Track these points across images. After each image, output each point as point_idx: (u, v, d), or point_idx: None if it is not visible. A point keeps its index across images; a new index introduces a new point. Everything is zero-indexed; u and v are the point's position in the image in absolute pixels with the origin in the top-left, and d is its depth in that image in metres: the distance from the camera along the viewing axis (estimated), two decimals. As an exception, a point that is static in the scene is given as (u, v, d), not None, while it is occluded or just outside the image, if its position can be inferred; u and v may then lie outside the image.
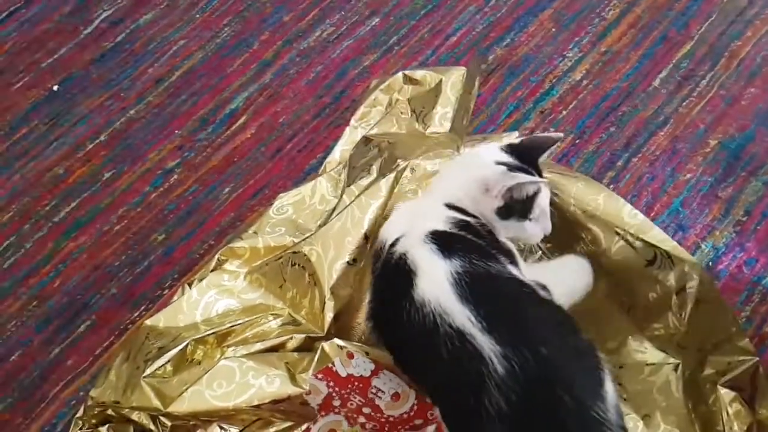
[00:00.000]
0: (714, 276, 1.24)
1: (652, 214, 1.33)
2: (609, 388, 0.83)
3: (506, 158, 1.05)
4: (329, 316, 1.19)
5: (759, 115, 1.42)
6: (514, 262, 1.00)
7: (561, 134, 1.12)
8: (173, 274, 1.42)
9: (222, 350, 1.20)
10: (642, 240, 1.17)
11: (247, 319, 1.22)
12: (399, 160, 1.35)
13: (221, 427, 1.16)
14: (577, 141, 1.46)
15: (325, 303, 1.20)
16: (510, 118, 1.52)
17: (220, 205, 1.51)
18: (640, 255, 1.18)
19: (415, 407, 1.07)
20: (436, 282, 0.89)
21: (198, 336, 1.18)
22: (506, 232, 1.04)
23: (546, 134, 1.12)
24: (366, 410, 1.08)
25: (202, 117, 1.65)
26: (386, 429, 1.09)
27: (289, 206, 1.36)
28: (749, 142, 1.39)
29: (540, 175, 1.05)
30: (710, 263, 1.26)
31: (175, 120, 1.65)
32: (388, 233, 1.09)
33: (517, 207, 1.00)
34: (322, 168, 1.45)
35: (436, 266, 0.91)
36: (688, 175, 1.37)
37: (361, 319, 1.23)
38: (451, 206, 1.03)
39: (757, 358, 1.05)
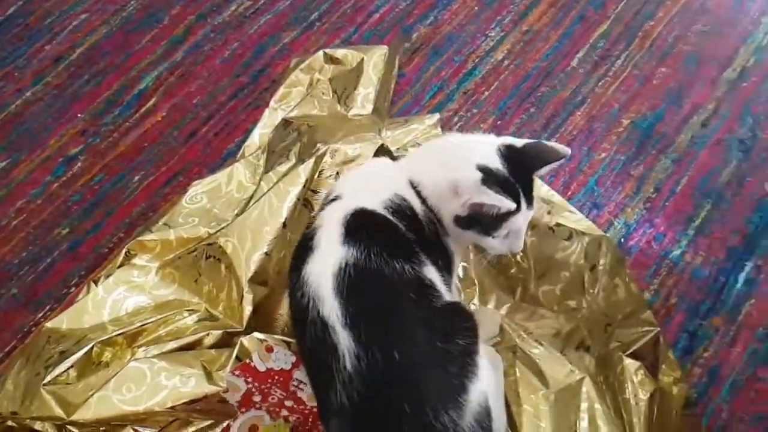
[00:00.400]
0: (625, 252, 1.26)
1: (569, 193, 1.34)
2: (474, 395, 0.82)
3: (494, 163, 0.93)
4: (248, 309, 1.13)
5: (669, 94, 1.44)
6: (444, 267, 0.96)
7: (569, 150, 0.96)
8: (80, 270, 1.31)
9: (133, 351, 1.13)
10: (558, 222, 1.18)
11: (159, 317, 1.14)
12: (319, 145, 1.29)
13: (135, 431, 1.09)
14: (498, 122, 1.44)
15: (243, 296, 1.14)
16: (434, 99, 1.48)
17: (130, 194, 1.40)
18: (557, 234, 1.19)
19: None
20: (323, 267, 0.87)
21: (105, 337, 1.11)
22: (459, 238, 0.98)
23: (554, 145, 0.96)
24: (288, 403, 1.04)
25: (107, 99, 1.52)
26: (310, 420, 1.05)
27: (204, 195, 1.28)
28: (659, 121, 1.41)
29: (529, 191, 0.95)
30: (622, 239, 1.28)
31: (78, 102, 1.52)
32: (338, 186, 1.04)
33: (483, 221, 0.93)
34: (240, 153, 1.38)
35: (331, 251, 0.87)
36: (603, 155, 1.38)
37: (283, 311, 1.18)
38: (413, 186, 0.97)
39: (659, 329, 1.08)
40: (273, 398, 1.05)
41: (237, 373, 1.03)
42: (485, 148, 0.95)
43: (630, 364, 1.07)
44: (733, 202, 1.30)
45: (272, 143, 1.35)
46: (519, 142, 0.97)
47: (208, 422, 1.10)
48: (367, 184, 1.00)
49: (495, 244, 0.96)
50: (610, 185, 1.34)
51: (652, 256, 1.26)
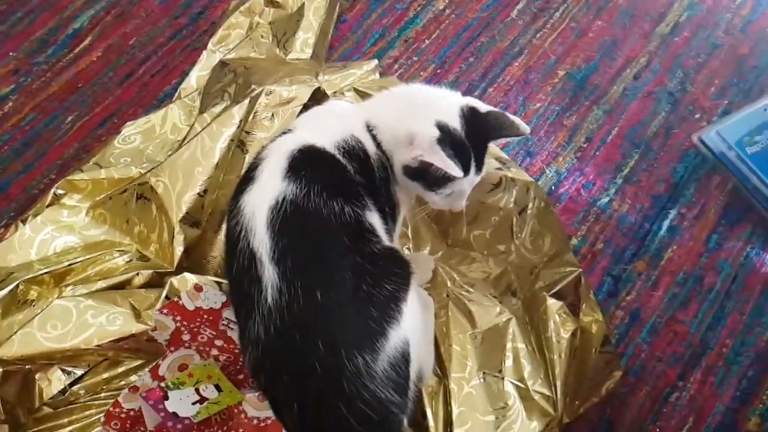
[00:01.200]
0: (555, 199, 1.25)
1: (503, 141, 1.31)
2: (393, 341, 0.80)
3: (454, 122, 0.89)
4: (179, 250, 1.08)
5: (603, 47, 1.42)
6: (389, 214, 0.93)
7: (528, 129, 0.93)
8: (9, 211, 1.24)
9: (60, 290, 1.06)
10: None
11: (89, 256, 1.09)
12: (254, 86, 1.23)
13: (63, 370, 1.04)
14: (438, 71, 1.40)
15: (174, 237, 1.09)
16: (375, 46, 1.43)
17: (63, 135, 1.32)
18: (487, 180, 1.16)
19: None
20: (260, 198, 0.83)
21: (31, 275, 1.04)
22: (406, 186, 0.95)
23: (516, 120, 0.92)
24: (218, 342, 1.00)
25: (41, 38, 1.42)
26: (240, 359, 1.01)
27: (138, 135, 1.21)
28: (593, 72, 1.39)
29: (481, 157, 0.91)
30: (553, 187, 1.26)
31: (9, 41, 1.41)
32: (295, 121, 1.01)
33: (429, 177, 0.90)
34: (177, 95, 1.30)
35: (271, 184, 0.84)
36: (538, 104, 1.35)
37: (216, 253, 1.14)
38: (369, 128, 0.93)
39: (581, 269, 1.08)
40: (203, 337, 1.01)
41: (165, 311, 0.98)
42: (449, 105, 0.91)
43: (553, 303, 1.06)
44: (660, 153, 1.30)
45: (208, 85, 1.28)
46: (483, 108, 0.93)
47: (138, 362, 1.06)
48: (323, 122, 0.95)
49: (437, 200, 0.94)
50: (543, 135, 1.32)
51: (581, 203, 1.25)
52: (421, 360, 0.91)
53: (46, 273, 1.06)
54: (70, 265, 1.07)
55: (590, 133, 1.32)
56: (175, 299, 0.99)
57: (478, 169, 0.91)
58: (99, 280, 1.07)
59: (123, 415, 0.97)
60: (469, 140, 0.89)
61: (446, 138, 0.86)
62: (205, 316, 0.99)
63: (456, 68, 1.40)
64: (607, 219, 1.23)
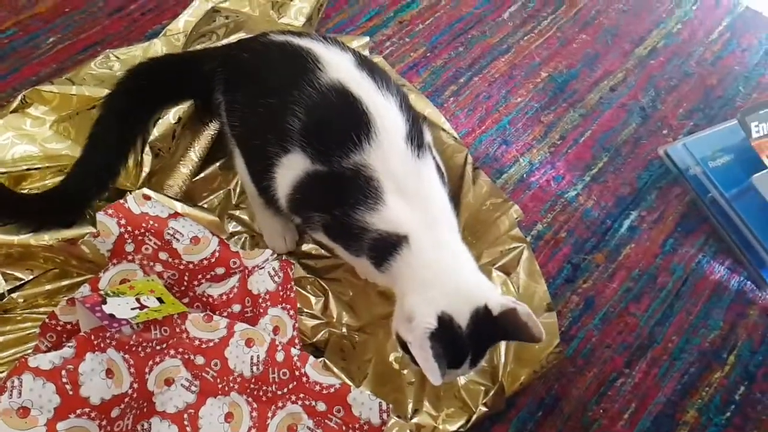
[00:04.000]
0: (525, 186, 1.27)
1: (483, 127, 1.34)
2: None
3: (461, 319, 0.81)
4: (145, 170, 1.04)
5: (586, 58, 1.48)
6: None
7: (543, 336, 0.82)
8: (-27, 119, 1.18)
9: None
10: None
11: (48, 165, 1.04)
12: (243, 31, 1.22)
13: (4, 273, 0.96)
14: (428, 54, 1.42)
15: (142, 157, 1.06)
16: (370, 22, 1.45)
17: (42, 54, 1.27)
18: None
19: (217, 254, 0.97)
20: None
21: (-21, 175, 1.00)
22: None
23: (531, 321, 0.81)
24: (163, 256, 0.95)
25: (32, -41, 1.39)
26: (185, 277, 0.97)
27: (116, 62, 1.17)
28: (574, 79, 1.44)
29: (479, 356, 0.84)
30: (524, 175, 1.28)
31: (-1, -43, 1.38)
32: None
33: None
34: (162, 34, 1.28)
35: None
36: (519, 99, 1.39)
37: (173, 181, 1.10)
38: None
39: (524, 245, 1.09)
40: (147, 248, 0.95)
41: (110, 212, 0.93)
42: (465, 301, 0.82)
43: (497, 276, 1.06)
44: (628, 159, 1.34)
45: (197, 26, 1.25)
46: (499, 307, 0.82)
47: (84, 277, 1.01)
48: None
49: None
50: (521, 126, 1.36)
51: (549, 193, 1.28)
52: None
53: (3, 173, 1.01)
54: (27, 170, 1.03)
55: (565, 132, 1.36)
56: (121, 202, 0.96)
57: (473, 364, 0.84)
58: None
59: (59, 328, 0.91)
60: (471, 340, 0.82)
61: (444, 334, 0.80)
62: (151, 222, 0.94)
63: (445, 54, 1.43)
64: (572, 211, 1.26)
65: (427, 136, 0.95)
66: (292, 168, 0.88)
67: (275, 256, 1.01)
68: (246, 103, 0.94)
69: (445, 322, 0.80)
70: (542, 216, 1.24)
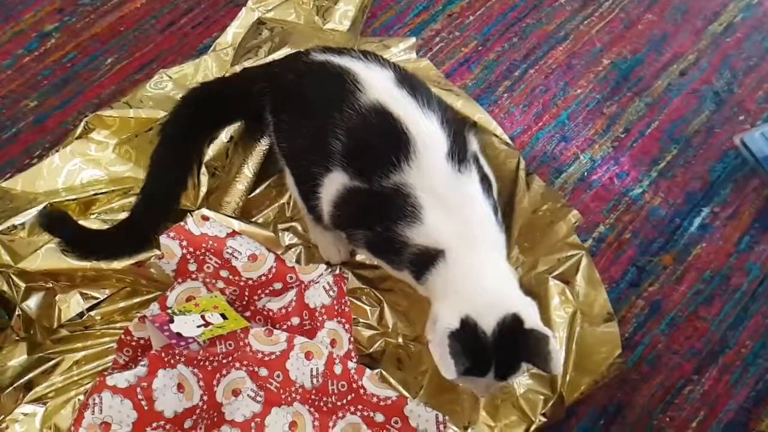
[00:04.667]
0: (587, 186, 1.30)
1: (540, 124, 1.37)
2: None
3: (486, 325, 0.87)
4: (203, 190, 1.16)
5: (652, 40, 1.47)
6: None
7: (560, 371, 0.89)
8: (44, 143, 1.33)
9: (86, 218, 1.16)
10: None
11: (114, 189, 1.17)
12: (288, 46, 1.31)
13: (82, 294, 1.12)
14: (479, 48, 1.46)
15: (199, 178, 1.18)
16: (418, 17, 1.50)
17: (102, 75, 1.41)
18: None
19: (274, 269, 1.07)
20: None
21: (58, 200, 1.13)
22: None
23: (553, 354, 0.85)
24: (224, 273, 1.06)
25: (86, -21, 1.53)
26: (246, 293, 1.08)
27: (170, 82, 1.29)
28: (639, 65, 1.44)
29: (508, 370, 0.88)
30: (585, 173, 1.31)
31: (57, -20, 1.52)
32: None
33: None
34: (212, 48, 1.39)
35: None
36: (579, 91, 1.41)
37: (230, 198, 1.21)
38: None
39: (583, 252, 1.12)
40: (209, 267, 1.07)
41: (171, 234, 1.05)
42: (492, 306, 0.88)
43: (554, 285, 1.10)
44: (699, 151, 1.34)
45: (244, 40, 1.35)
46: (529, 322, 0.87)
47: (154, 294, 1.14)
48: None
49: None
50: (581, 121, 1.38)
51: (612, 191, 1.30)
52: None
53: (73, 200, 1.15)
54: (95, 195, 1.17)
55: (629, 124, 1.37)
56: (181, 224, 1.07)
57: (501, 376, 0.88)
58: (122, 211, 1.15)
59: (134, 343, 1.05)
60: (497, 348, 0.86)
61: (465, 336, 0.85)
62: (211, 243, 1.06)
63: (498, 47, 1.46)
64: (637, 210, 1.28)
65: (473, 146, 1.01)
66: (334, 186, 0.97)
67: (329, 270, 1.11)
68: (291, 125, 1.03)
69: (468, 325, 0.86)
70: (605, 217, 1.27)
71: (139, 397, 0.93)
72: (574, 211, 1.15)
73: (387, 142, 0.92)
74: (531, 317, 0.88)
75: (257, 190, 1.24)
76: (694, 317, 1.18)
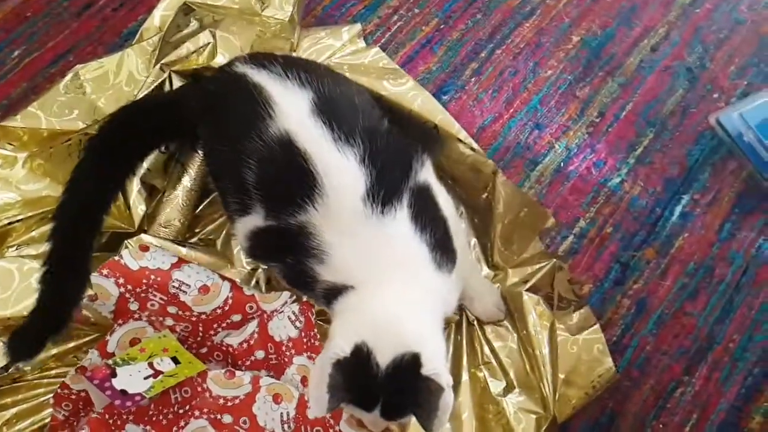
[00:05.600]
0: (564, 177, 1.18)
1: (511, 111, 1.24)
2: None
3: (383, 358, 0.75)
4: (140, 209, 0.98)
5: (621, 13, 1.34)
6: None
7: None
8: (-57, 156, 1.11)
9: (1, 252, 0.96)
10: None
11: (30, 214, 0.97)
12: (220, 52, 1.11)
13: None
14: (442, 26, 1.30)
15: (134, 196, 0.99)
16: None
17: (8, 72, 1.17)
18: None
19: (230, 300, 0.92)
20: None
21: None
22: None
23: (440, 410, 0.74)
24: (172, 310, 0.91)
25: (-19, -45, 1.26)
26: (200, 328, 0.93)
27: (89, 83, 1.06)
28: (610, 40, 1.32)
29: (396, 411, 0.78)
30: (561, 164, 1.20)
31: (-58, -44, 1.25)
32: None
33: None
34: (138, 36, 1.16)
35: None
36: (549, 72, 1.28)
37: (172, 215, 1.03)
38: None
39: (554, 261, 1.04)
40: (153, 305, 0.90)
41: (105, 272, 0.87)
42: (397, 344, 0.76)
43: (528, 299, 1.02)
44: (675, 133, 1.24)
45: (168, 31, 1.14)
46: (433, 371, 0.75)
47: (93, 335, 0.96)
48: None
49: None
50: (554, 105, 1.25)
51: (590, 182, 1.19)
52: None
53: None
54: (9, 224, 0.97)
55: (603, 107, 1.26)
56: (115, 258, 0.90)
57: (387, 416, 0.77)
58: (44, 242, 0.96)
59: (73, 396, 0.88)
60: (387, 386, 0.75)
61: (354, 365, 0.75)
62: (153, 277, 0.89)
63: (461, 25, 1.30)
64: (617, 201, 1.18)
65: (423, 173, 0.88)
66: (248, 222, 0.86)
67: (294, 298, 0.96)
68: (209, 143, 0.92)
69: (361, 353, 0.75)
70: (584, 210, 1.17)
71: None
72: (550, 216, 1.06)
73: (292, 180, 0.80)
74: (432, 363, 0.76)
75: (203, 204, 1.07)
76: (681, 314, 1.11)
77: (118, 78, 1.07)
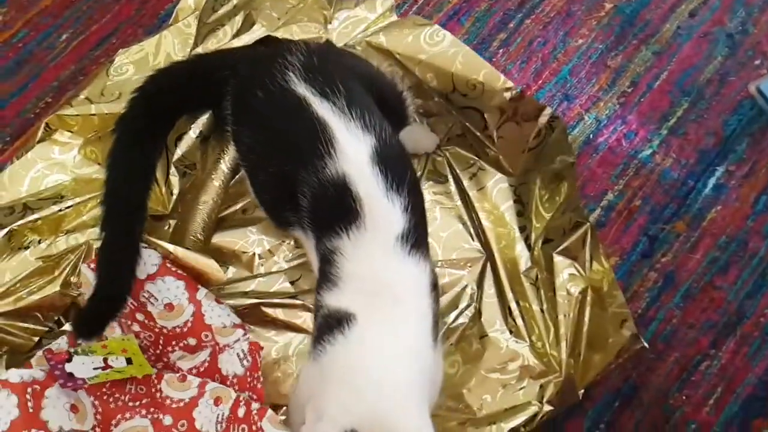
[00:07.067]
0: (593, 149, 1.14)
1: (539, 82, 1.19)
2: None
3: None
4: (174, 192, 1.00)
5: (659, -23, 1.27)
6: None
7: None
8: (4, 136, 1.15)
9: (56, 239, 0.99)
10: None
11: (79, 200, 1.01)
12: (256, 26, 1.09)
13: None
14: (468, -3, 1.26)
15: (168, 178, 1.00)
16: (399, -34, 1.28)
17: (58, 55, 1.20)
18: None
19: (190, 324, 0.93)
20: None
21: (21, 223, 0.98)
22: None
23: None
24: (139, 317, 0.93)
25: (30, -56, 1.28)
26: (161, 342, 0.94)
27: (130, 66, 1.07)
28: (644, 7, 1.23)
29: None
30: (591, 135, 1.15)
31: (-6, -54, 1.28)
32: None
33: None
34: (174, 16, 1.16)
35: None
36: (580, 41, 1.22)
37: (207, 197, 1.04)
38: None
39: (588, 224, 0.99)
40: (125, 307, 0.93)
41: (93, 266, 0.90)
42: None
43: (560, 261, 0.99)
44: (712, 102, 1.17)
45: (204, 13, 1.13)
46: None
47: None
48: None
49: None
50: (584, 76, 1.19)
51: (620, 154, 1.14)
52: None
53: (35, 220, 0.99)
54: (60, 211, 1.00)
55: (636, 76, 1.19)
56: None
57: None
58: (95, 226, 0.98)
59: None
60: None
61: None
62: None
63: (490, -5, 1.26)
64: (648, 173, 1.13)
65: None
66: None
67: (246, 336, 0.95)
68: (254, 147, 0.90)
69: None
70: (613, 183, 1.12)
71: (28, 397, 0.81)
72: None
73: (337, 209, 0.80)
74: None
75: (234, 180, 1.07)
76: (710, 287, 1.06)
77: (156, 59, 1.08)
